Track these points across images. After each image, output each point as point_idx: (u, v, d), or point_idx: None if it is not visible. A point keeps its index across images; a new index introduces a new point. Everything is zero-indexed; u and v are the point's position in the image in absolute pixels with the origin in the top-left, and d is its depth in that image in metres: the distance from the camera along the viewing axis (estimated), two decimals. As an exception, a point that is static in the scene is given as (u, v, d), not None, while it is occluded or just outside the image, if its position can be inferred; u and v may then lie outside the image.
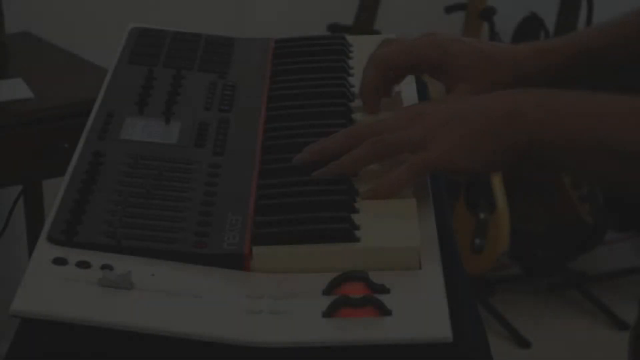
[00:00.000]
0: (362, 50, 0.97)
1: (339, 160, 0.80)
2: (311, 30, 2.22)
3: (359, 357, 0.67)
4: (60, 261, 0.71)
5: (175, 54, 0.99)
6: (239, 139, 0.87)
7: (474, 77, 0.88)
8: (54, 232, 0.73)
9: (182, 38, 1.02)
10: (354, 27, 2.26)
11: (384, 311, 0.68)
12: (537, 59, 0.89)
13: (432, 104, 0.83)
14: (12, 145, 1.68)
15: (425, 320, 0.68)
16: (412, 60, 0.89)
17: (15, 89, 1.75)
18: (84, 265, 0.71)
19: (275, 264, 0.73)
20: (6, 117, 1.69)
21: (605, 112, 0.76)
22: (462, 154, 0.77)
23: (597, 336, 2.41)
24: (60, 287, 0.69)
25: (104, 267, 0.71)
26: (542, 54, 0.89)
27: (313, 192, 0.78)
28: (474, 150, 0.77)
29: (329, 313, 0.68)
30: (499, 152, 0.77)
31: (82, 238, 0.73)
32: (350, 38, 1.04)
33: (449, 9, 2.37)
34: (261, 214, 0.77)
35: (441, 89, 0.91)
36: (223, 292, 0.70)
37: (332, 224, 0.75)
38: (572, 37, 0.92)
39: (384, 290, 0.70)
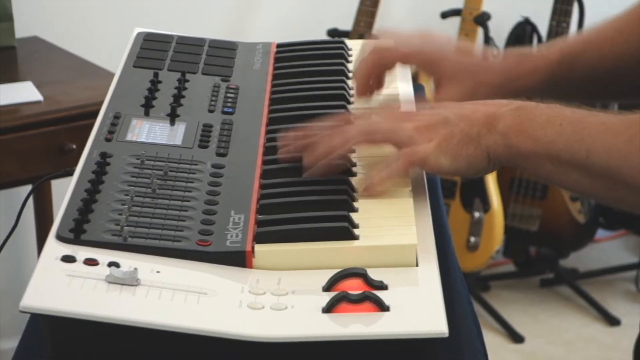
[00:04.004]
0: (361, 54, 0.98)
1: (328, 140, 0.80)
2: (311, 34, 2.24)
3: (358, 351, 0.68)
4: (68, 258, 0.72)
5: (179, 58, 1.00)
6: (242, 140, 0.88)
7: (461, 76, 0.90)
8: (62, 230, 0.75)
9: (187, 42, 1.03)
10: (353, 32, 2.27)
11: (382, 307, 0.69)
12: (524, 62, 0.91)
13: (423, 107, 0.85)
14: (22, 146, 1.69)
15: (422, 316, 0.69)
16: (407, 55, 0.92)
17: (25, 92, 1.76)
18: (91, 262, 0.72)
19: (276, 261, 0.74)
20: (16, 120, 1.71)
21: (578, 126, 0.78)
22: (446, 156, 0.79)
23: (588, 331, 2.43)
24: (68, 283, 0.70)
25: (110, 264, 0.72)
26: (528, 58, 0.91)
27: (313, 192, 0.80)
28: (457, 152, 0.79)
29: (328, 309, 0.69)
30: (479, 155, 0.79)
31: (89, 236, 0.74)
32: (349, 42, 1.05)
33: (445, 15, 2.39)
34: (263, 213, 0.78)
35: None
36: (226, 288, 0.72)
37: (332, 222, 0.76)
38: (558, 42, 0.94)
39: (382, 286, 0.71)
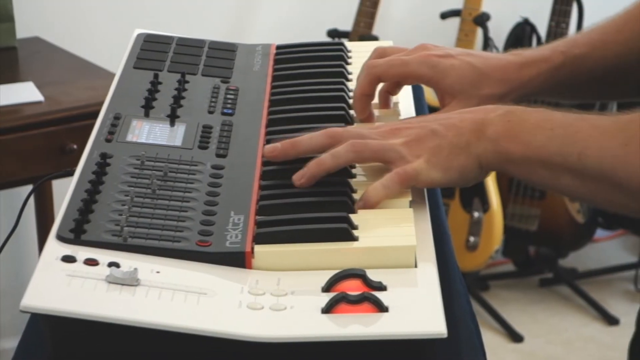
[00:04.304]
0: (360, 56, 0.98)
1: (318, 157, 0.81)
2: (311, 35, 2.24)
3: (357, 352, 0.68)
4: (68, 259, 0.73)
5: (179, 59, 1.00)
6: (242, 141, 0.88)
7: (464, 91, 0.89)
8: (62, 230, 0.75)
9: (187, 44, 1.04)
10: (353, 33, 2.28)
11: (381, 308, 0.69)
12: (526, 68, 0.90)
13: (411, 121, 0.84)
14: (23, 146, 1.70)
15: (420, 317, 0.69)
16: (402, 75, 0.91)
17: (26, 93, 1.77)
18: (91, 262, 0.72)
19: (276, 262, 0.75)
20: (17, 120, 1.72)
21: (569, 129, 0.77)
22: (437, 169, 0.79)
23: (587, 330, 2.44)
24: (68, 283, 0.70)
25: (111, 264, 0.72)
26: (531, 64, 0.90)
27: (313, 193, 0.80)
28: (447, 164, 0.79)
29: (328, 309, 0.70)
30: (470, 164, 0.79)
31: (90, 236, 0.75)
32: (349, 44, 1.06)
33: (444, 15, 2.40)
34: (262, 214, 0.78)
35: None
36: (225, 289, 0.72)
37: (331, 223, 0.76)
38: (560, 44, 0.93)
39: (381, 287, 0.71)
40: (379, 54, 0.93)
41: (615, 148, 0.75)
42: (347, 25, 2.31)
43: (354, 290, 0.71)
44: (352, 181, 0.83)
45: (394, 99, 0.96)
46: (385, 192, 0.79)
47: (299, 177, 0.80)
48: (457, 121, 0.80)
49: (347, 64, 1.02)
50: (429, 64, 0.89)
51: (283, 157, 0.82)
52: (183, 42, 1.04)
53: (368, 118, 0.92)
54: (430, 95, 0.98)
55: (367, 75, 0.90)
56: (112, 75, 1.00)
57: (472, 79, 0.89)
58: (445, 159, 0.79)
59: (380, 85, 0.93)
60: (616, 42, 0.91)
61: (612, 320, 2.46)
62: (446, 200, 2.38)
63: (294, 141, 0.82)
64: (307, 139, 0.82)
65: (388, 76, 0.91)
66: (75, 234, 0.75)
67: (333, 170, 0.81)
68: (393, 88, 0.94)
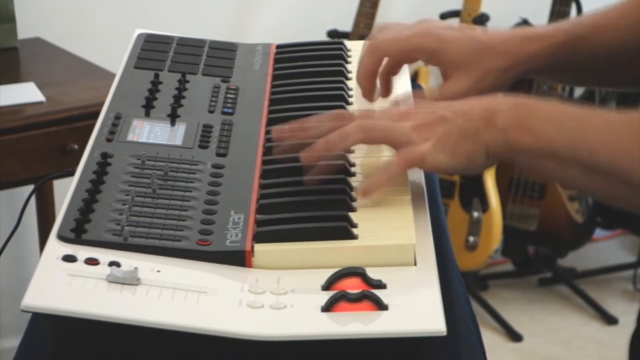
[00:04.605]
0: (360, 55, 0.99)
1: (326, 137, 0.80)
2: (311, 35, 2.25)
3: (356, 350, 0.69)
4: (69, 258, 0.73)
5: (180, 59, 1.01)
6: (242, 141, 0.88)
7: (467, 63, 0.88)
8: (63, 230, 0.75)
9: (187, 43, 1.04)
10: (353, 33, 2.28)
11: (381, 306, 0.70)
12: (529, 43, 0.90)
13: (419, 106, 0.84)
14: (24, 146, 1.70)
15: (420, 315, 0.69)
16: (407, 48, 0.90)
17: (27, 93, 1.77)
18: (92, 262, 0.73)
19: (276, 260, 0.75)
20: (19, 120, 1.72)
21: (580, 123, 0.77)
22: (445, 153, 0.78)
23: (586, 330, 2.44)
24: (69, 283, 0.70)
25: (111, 263, 0.73)
26: (533, 38, 0.90)
27: (312, 192, 0.80)
28: (455, 149, 0.78)
29: (327, 308, 0.70)
30: (478, 151, 0.79)
31: (90, 236, 0.75)
32: (348, 43, 1.06)
33: (444, 16, 2.40)
34: (262, 213, 0.79)
35: (434, 89, 0.93)
36: (226, 287, 0.72)
37: (331, 222, 0.76)
38: (564, 24, 0.92)
39: (381, 285, 0.72)
40: (379, 29, 0.92)
41: (625, 144, 0.75)
42: (347, 25, 2.31)
43: (354, 288, 0.71)
44: (352, 180, 0.83)
45: (393, 97, 0.96)
46: (386, 175, 0.79)
47: (306, 154, 0.80)
48: (466, 108, 0.80)
49: (347, 62, 1.02)
50: (433, 36, 0.89)
51: (290, 139, 0.81)
52: (183, 42, 1.05)
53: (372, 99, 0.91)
54: (430, 96, 0.98)
55: (372, 52, 0.89)
56: (113, 75, 1.00)
57: (475, 51, 0.88)
58: (453, 144, 0.78)
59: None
60: (618, 26, 0.90)
61: (611, 320, 2.46)
62: (446, 200, 2.38)
63: (302, 126, 0.81)
64: (316, 123, 0.81)
65: (393, 51, 0.90)
66: (76, 233, 0.75)
67: (340, 151, 0.80)
68: (394, 67, 0.93)
